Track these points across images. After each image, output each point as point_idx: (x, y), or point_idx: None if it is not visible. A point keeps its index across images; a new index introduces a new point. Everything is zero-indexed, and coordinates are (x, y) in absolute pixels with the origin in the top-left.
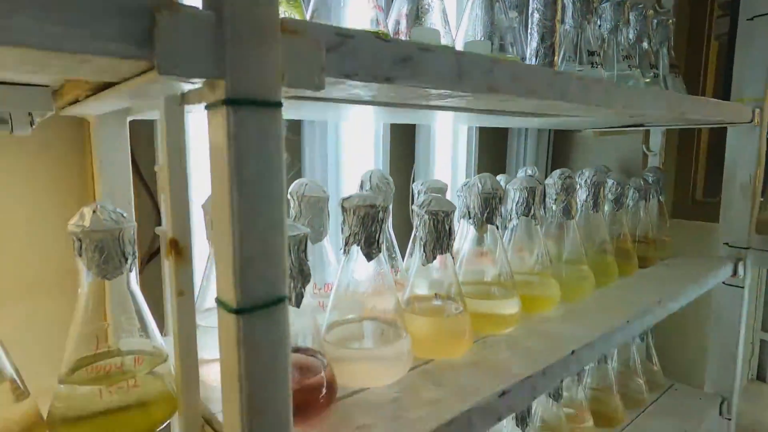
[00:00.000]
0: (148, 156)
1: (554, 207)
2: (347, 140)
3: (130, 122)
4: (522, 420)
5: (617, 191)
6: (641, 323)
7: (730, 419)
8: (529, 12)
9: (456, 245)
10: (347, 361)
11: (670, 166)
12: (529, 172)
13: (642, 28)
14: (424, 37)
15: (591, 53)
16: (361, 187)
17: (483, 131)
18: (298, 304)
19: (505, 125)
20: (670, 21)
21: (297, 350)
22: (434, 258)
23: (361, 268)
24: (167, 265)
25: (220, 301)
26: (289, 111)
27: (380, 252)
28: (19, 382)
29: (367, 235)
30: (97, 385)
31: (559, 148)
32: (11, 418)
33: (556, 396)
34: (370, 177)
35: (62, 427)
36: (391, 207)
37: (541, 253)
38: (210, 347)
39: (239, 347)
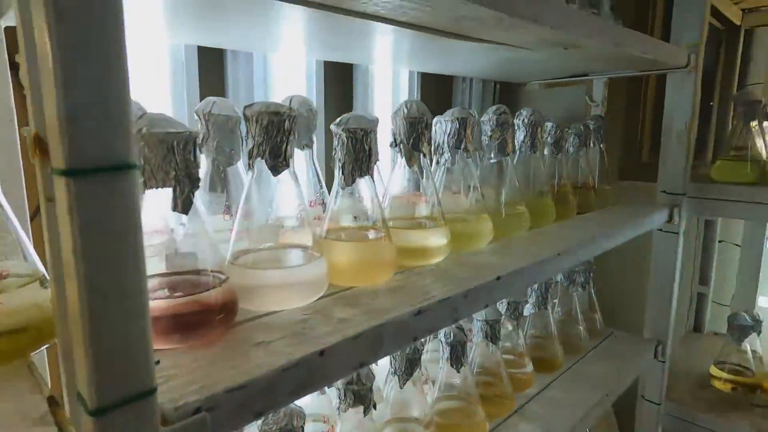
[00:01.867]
0: None
1: (489, 144)
2: (276, 81)
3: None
4: (456, 360)
5: (556, 134)
6: (573, 257)
7: (664, 362)
8: None
9: (385, 181)
10: (253, 283)
11: (617, 127)
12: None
13: None
14: None
15: None
16: None
17: (425, 83)
18: (184, 211)
19: (446, 71)
20: None
21: (194, 272)
22: (353, 181)
23: (268, 186)
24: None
25: (54, 169)
26: (209, 33)
27: (288, 167)
28: None
29: (272, 146)
30: None
31: (505, 102)
32: None
33: (494, 339)
34: (291, 102)
35: None
36: (314, 137)
37: (474, 187)
38: None
39: (72, 216)
